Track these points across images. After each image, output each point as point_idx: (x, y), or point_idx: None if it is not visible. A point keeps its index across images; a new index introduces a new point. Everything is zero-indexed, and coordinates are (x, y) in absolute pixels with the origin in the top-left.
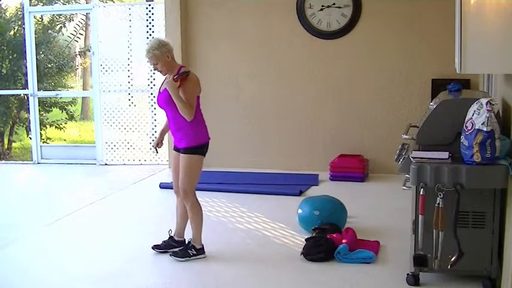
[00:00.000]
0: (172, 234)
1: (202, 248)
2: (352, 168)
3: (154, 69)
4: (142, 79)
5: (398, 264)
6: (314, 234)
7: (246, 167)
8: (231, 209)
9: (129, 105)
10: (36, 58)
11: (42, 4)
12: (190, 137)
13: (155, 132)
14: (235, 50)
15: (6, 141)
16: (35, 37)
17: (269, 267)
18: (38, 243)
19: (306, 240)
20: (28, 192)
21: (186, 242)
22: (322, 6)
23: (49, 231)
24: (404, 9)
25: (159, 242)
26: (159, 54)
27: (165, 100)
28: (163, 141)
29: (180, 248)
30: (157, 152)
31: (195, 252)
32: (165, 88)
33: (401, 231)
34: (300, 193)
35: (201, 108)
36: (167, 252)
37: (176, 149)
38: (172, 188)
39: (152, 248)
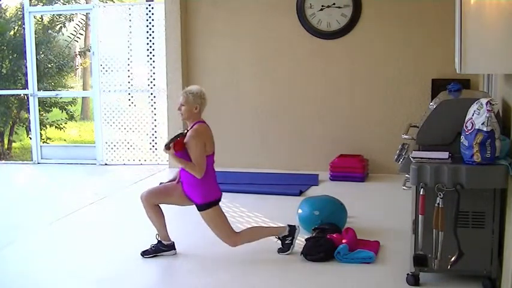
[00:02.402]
0: (159, 239)
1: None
2: (352, 168)
3: (178, 109)
4: (143, 79)
5: (398, 264)
6: (314, 234)
7: (246, 167)
8: (231, 209)
9: (129, 105)
10: (36, 58)
11: (42, 4)
12: (202, 194)
13: (155, 132)
14: (235, 50)
15: (6, 141)
16: (35, 37)
17: (269, 267)
18: (38, 243)
19: (306, 240)
20: (28, 192)
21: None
22: (322, 6)
23: (49, 231)
24: (404, 9)
25: (147, 247)
26: (191, 100)
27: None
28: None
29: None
30: None
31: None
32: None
33: (401, 231)
34: (300, 193)
35: (213, 165)
36: (157, 256)
37: (182, 186)
38: None
39: (141, 254)
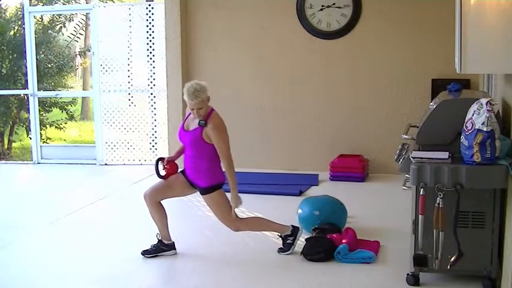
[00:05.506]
0: (160, 238)
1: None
2: (352, 168)
3: (196, 114)
4: (142, 79)
5: (398, 264)
6: (314, 234)
7: (246, 167)
8: None
9: (129, 105)
10: (36, 58)
11: (42, 4)
12: (208, 178)
13: (155, 132)
14: (235, 50)
15: (6, 141)
16: (35, 37)
17: (269, 267)
18: (38, 243)
19: (306, 240)
20: (28, 192)
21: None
22: (322, 6)
23: (49, 231)
24: (404, 9)
25: (148, 247)
26: (205, 98)
27: (190, 141)
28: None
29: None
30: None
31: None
32: (194, 129)
33: (401, 231)
34: (300, 193)
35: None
36: (157, 256)
37: (184, 175)
38: None
39: (142, 253)
